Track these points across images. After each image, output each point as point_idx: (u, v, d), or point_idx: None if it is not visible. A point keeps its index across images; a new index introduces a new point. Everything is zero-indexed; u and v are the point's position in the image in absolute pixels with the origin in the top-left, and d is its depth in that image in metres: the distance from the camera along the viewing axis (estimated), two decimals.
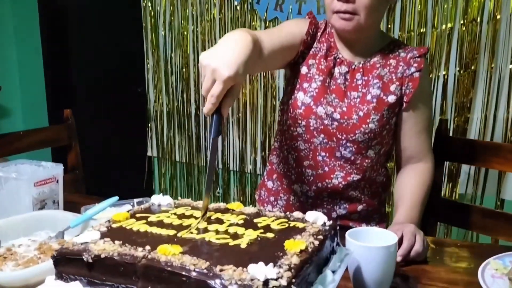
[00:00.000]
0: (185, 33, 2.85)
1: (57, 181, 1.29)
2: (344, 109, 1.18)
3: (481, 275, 0.90)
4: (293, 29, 1.21)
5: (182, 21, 2.84)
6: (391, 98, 1.17)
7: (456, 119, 2.24)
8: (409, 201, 1.18)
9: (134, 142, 3.19)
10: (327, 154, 1.20)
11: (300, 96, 1.20)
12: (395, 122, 1.22)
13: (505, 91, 2.13)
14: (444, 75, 2.22)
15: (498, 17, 2.09)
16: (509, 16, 2.07)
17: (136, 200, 1.29)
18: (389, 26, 2.29)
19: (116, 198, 1.16)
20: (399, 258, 0.97)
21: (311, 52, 1.23)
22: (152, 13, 2.91)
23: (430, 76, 2.21)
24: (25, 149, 1.70)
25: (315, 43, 1.24)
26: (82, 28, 3.26)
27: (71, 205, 1.32)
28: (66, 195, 1.40)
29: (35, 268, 0.86)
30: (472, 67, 2.17)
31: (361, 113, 1.16)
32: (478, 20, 2.13)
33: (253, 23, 2.64)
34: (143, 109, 3.10)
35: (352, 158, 1.19)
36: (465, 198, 2.25)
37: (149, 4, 2.91)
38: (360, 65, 1.20)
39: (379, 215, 1.30)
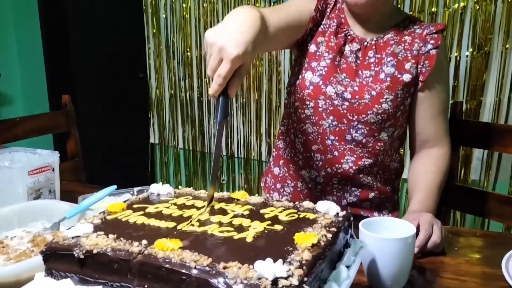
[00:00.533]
0: (187, 15, 2.76)
1: (53, 170, 1.23)
2: (356, 88, 1.11)
3: (505, 267, 0.84)
4: (301, 6, 1.14)
5: (184, 4, 2.75)
6: (406, 77, 1.10)
7: (468, 102, 2.16)
8: (424, 189, 1.11)
9: (136, 129, 3.13)
10: (337, 138, 1.14)
11: (308, 76, 1.14)
12: (410, 103, 1.14)
13: None
14: (456, 57, 2.13)
15: None
16: None
17: (136, 189, 1.23)
18: (399, 5, 2.19)
19: (114, 187, 1.09)
20: (416, 250, 0.90)
21: (320, 29, 1.17)
22: None
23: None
24: (22, 136, 1.64)
25: (324, 19, 1.17)
26: (82, 13, 3.18)
27: (70, 194, 1.27)
28: (64, 184, 1.35)
29: (26, 262, 0.81)
30: (486, 48, 2.08)
31: (374, 93, 1.09)
32: None
33: (257, 5, 2.55)
34: (145, 95, 3.03)
35: (364, 141, 1.12)
36: (478, 184, 2.18)
37: None
38: (373, 42, 1.13)
39: (392, 203, 1.23)
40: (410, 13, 2.17)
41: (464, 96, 2.16)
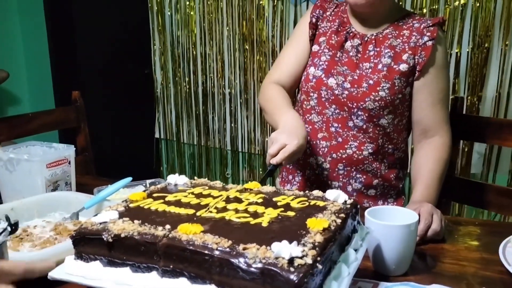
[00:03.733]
0: (192, 13, 2.80)
1: (69, 163, 1.28)
2: (356, 77, 1.20)
3: (502, 252, 0.89)
4: (298, 37, 1.33)
5: (188, 1, 2.80)
6: (403, 67, 1.18)
7: (469, 97, 2.20)
8: (426, 179, 1.17)
9: (141, 124, 3.18)
10: (340, 125, 1.22)
11: (311, 71, 1.26)
12: (410, 92, 1.20)
13: None
14: (457, 53, 2.18)
15: None
16: None
17: (148, 181, 1.28)
18: (400, 3, 2.24)
19: (130, 179, 1.15)
20: (416, 238, 0.95)
21: (321, 31, 1.27)
22: None
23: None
24: (35, 131, 1.69)
25: (324, 23, 1.29)
26: (87, 10, 3.21)
27: (82, 187, 1.32)
28: (76, 177, 1.39)
29: (52, 248, 0.86)
30: (486, 45, 2.13)
31: (371, 82, 1.18)
32: None
33: (261, 2, 2.59)
34: (151, 91, 3.08)
35: (364, 126, 1.20)
36: (478, 177, 2.23)
37: None
38: (373, 37, 1.23)
39: (397, 192, 1.29)
40: (412, 10, 2.21)
41: (465, 91, 2.20)
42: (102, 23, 3.18)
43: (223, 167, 2.97)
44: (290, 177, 1.36)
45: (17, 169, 1.20)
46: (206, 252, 0.61)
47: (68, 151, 1.29)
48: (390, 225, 0.83)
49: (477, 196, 1.43)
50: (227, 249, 0.61)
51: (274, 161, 1.07)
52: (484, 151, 2.22)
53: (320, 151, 1.26)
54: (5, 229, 0.70)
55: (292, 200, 0.78)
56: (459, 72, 2.19)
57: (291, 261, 0.58)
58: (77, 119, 1.85)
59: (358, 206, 0.79)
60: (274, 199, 0.79)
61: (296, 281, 0.56)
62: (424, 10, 2.20)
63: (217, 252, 0.61)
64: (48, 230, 1.00)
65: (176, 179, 0.91)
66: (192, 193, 0.84)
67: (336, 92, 1.21)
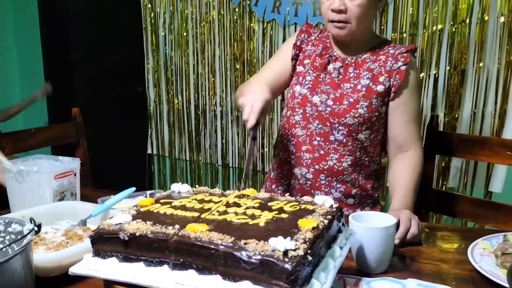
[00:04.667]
0: (185, 33, 2.93)
1: (75, 174, 1.37)
2: (337, 95, 1.33)
3: (470, 253, 1.00)
4: (282, 52, 1.45)
5: (182, 22, 2.92)
6: (380, 88, 1.30)
7: (446, 115, 2.35)
8: (403, 189, 1.29)
9: (134, 140, 3.26)
10: (322, 139, 1.34)
11: (297, 89, 1.38)
12: (385, 111, 1.33)
13: (492, 89, 2.24)
14: (435, 74, 2.33)
15: (486, 18, 2.20)
16: (496, 18, 2.18)
17: (148, 192, 1.37)
18: (382, 27, 2.39)
19: (133, 189, 1.24)
20: (397, 241, 1.06)
21: (306, 54, 1.41)
22: (152, 14, 2.99)
23: (421, 74, 2.32)
24: (38, 146, 1.77)
25: (309, 46, 1.42)
26: (83, 29, 3.30)
27: (83, 198, 1.40)
28: None
29: (67, 250, 0.95)
30: (462, 66, 2.28)
31: (351, 100, 1.31)
32: (467, 21, 2.23)
33: (252, 25, 2.73)
34: (144, 108, 3.17)
35: (344, 140, 1.32)
36: (456, 191, 2.36)
37: (149, 5, 2.99)
38: (353, 61, 1.35)
39: (372, 201, 1.42)
40: (392, 34, 2.37)
41: (443, 109, 2.35)
42: (97, 42, 3.28)
43: (214, 182, 3.06)
44: (274, 186, 1.47)
45: (26, 180, 1.29)
46: (212, 247, 0.71)
47: (74, 163, 1.37)
48: (371, 228, 0.94)
49: (452, 207, 1.55)
50: (230, 244, 0.71)
51: (249, 124, 1.18)
52: (462, 165, 2.35)
53: (303, 162, 1.37)
54: (32, 229, 0.79)
55: (285, 204, 0.88)
56: (437, 92, 2.34)
57: (285, 253, 0.68)
58: (77, 134, 1.94)
59: (343, 210, 0.90)
60: (269, 203, 0.89)
61: (290, 269, 0.66)
62: (404, 35, 2.36)
63: (221, 247, 0.71)
64: (60, 236, 1.09)
65: (179, 187, 1.00)
66: (195, 199, 0.94)
67: (320, 108, 1.33)
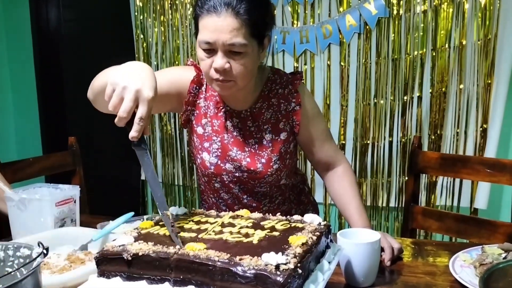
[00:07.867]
0: (177, 63, 3.02)
1: (75, 201, 1.42)
2: (248, 159, 1.31)
3: (451, 265, 1.07)
4: (181, 75, 1.33)
5: (174, 53, 3.02)
6: (283, 135, 1.32)
7: (430, 136, 2.44)
8: (354, 206, 1.32)
9: (128, 166, 3.31)
10: (249, 194, 1.38)
11: (206, 157, 1.33)
12: (295, 145, 1.38)
13: (473, 109, 2.35)
14: (418, 96, 2.43)
15: (464, 43, 2.32)
16: (473, 43, 2.30)
17: (145, 217, 1.43)
18: (366, 52, 2.50)
19: (132, 213, 1.30)
20: (388, 263, 1.13)
21: (201, 112, 1.34)
22: (145, 44, 3.09)
23: (405, 97, 2.42)
24: (36, 174, 1.83)
25: (202, 101, 1.34)
26: (76, 59, 3.38)
27: (81, 224, 1.45)
28: None
29: (72, 272, 1.00)
30: (443, 89, 2.39)
31: (263, 160, 1.31)
32: (446, 46, 2.35)
33: None
34: None
35: (269, 189, 1.37)
36: (444, 208, 2.43)
37: (142, 36, 3.09)
38: (248, 113, 1.32)
39: (312, 206, 1.54)
40: (376, 59, 2.47)
41: (427, 130, 2.44)
42: (91, 71, 3.34)
43: None
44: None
45: (28, 208, 1.34)
46: (210, 263, 0.77)
47: (73, 191, 1.43)
48: (358, 243, 1.01)
49: (438, 224, 1.62)
50: (227, 260, 0.77)
51: (135, 133, 0.91)
52: (448, 184, 2.43)
53: (234, 208, 1.39)
54: (41, 253, 0.85)
55: (276, 223, 0.95)
56: (421, 113, 2.43)
57: (277, 267, 0.74)
58: (73, 162, 1.99)
59: (331, 227, 0.96)
60: (262, 223, 0.96)
61: (282, 281, 0.72)
62: (387, 60, 2.46)
63: (218, 263, 0.77)
64: (62, 260, 1.14)
65: (177, 210, 1.07)
66: (192, 220, 1.00)
67: (237, 174, 1.32)
